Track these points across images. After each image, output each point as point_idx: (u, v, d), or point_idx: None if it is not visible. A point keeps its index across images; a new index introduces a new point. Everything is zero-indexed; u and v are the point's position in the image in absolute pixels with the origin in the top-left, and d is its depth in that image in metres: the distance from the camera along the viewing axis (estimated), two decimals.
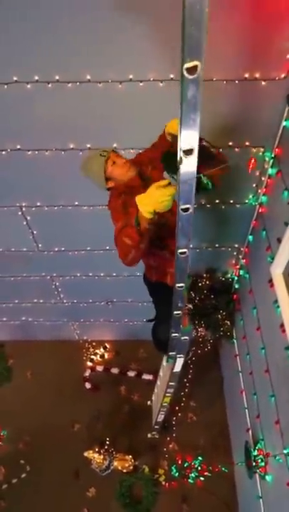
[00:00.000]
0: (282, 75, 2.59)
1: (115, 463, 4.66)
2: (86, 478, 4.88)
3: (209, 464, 4.77)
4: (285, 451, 2.85)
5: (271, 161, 3.06)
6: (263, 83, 2.63)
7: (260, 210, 3.48)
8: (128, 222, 1.76)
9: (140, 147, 2.67)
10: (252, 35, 2.43)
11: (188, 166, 1.18)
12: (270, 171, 3.11)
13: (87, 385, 5.68)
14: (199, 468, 4.83)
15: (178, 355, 3.08)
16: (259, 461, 3.49)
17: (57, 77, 2.56)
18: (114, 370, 5.83)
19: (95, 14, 2.26)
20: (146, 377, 5.66)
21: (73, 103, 2.71)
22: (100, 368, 5.89)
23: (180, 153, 1.14)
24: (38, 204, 3.57)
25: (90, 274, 4.61)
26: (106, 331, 5.96)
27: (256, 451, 3.55)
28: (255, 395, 3.72)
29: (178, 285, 1.86)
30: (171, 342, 2.78)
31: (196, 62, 0.97)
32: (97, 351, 6.06)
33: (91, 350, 6.07)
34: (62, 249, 4.16)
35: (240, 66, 2.58)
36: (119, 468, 4.69)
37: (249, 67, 2.58)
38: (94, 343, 6.13)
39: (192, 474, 4.81)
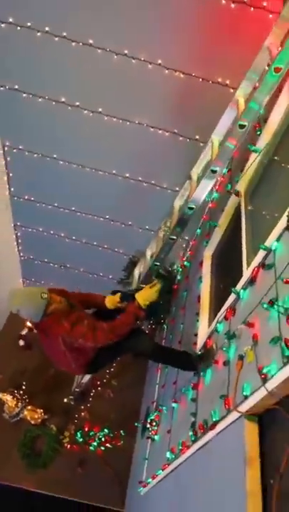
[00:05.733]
0: None
1: (25, 412, 4.85)
2: None
3: (113, 438, 5.06)
4: (173, 405, 3.21)
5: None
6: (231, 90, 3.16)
7: (210, 206, 3.96)
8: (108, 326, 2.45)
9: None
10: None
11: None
12: (224, 170, 3.60)
13: (21, 342, 5.88)
14: (103, 439, 5.12)
15: None
16: (154, 424, 3.83)
17: (64, 34, 3.01)
18: None
19: None
20: None
21: (73, 61, 3.15)
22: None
23: None
24: (21, 147, 3.93)
25: (52, 232, 4.93)
26: None
27: (154, 415, 3.89)
28: (166, 368, 4.09)
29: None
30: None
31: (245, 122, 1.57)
32: None
33: None
34: (32, 199, 4.49)
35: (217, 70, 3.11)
36: (28, 418, 4.88)
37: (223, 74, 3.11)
38: None
39: (94, 443, 5.08)
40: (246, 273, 2.12)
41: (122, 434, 4.92)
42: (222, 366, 2.14)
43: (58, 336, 2.38)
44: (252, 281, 2.01)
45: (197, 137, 3.52)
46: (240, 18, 2.80)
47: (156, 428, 3.78)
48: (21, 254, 5.39)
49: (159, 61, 3.09)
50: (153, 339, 2.71)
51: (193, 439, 2.29)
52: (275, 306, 1.55)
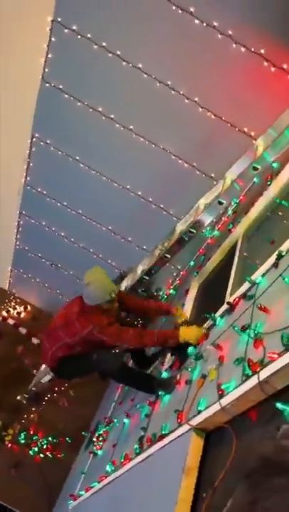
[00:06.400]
0: None
1: None
2: None
3: (55, 447, 4.95)
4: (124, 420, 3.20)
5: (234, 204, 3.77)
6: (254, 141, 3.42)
7: (209, 241, 4.13)
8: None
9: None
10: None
11: None
12: (229, 211, 3.80)
13: None
14: (45, 446, 5.00)
15: None
16: (100, 439, 3.78)
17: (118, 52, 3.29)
18: (23, 330, 6.03)
19: None
20: None
21: (119, 78, 3.42)
22: (11, 322, 6.08)
23: None
24: (48, 141, 4.13)
25: (53, 229, 5.05)
26: (35, 294, 6.24)
27: (102, 430, 3.85)
28: (127, 387, 4.08)
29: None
30: None
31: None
32: (17, 307, 6.29)
33: (12, 303, 6.30)
34: (44, 192, 4.64)
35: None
36: None
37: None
38: (18, 300, 6.38)
39: (35, 448, 4.95)
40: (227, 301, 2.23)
41: (68, 441, 4.81)
42: (184, 385, 2.20)
43: (91, 323, 2.51)
44: (231, 309, 2.12)
45: (212, 175, 3.74)
46: (277, 81, 3.10)
47: (101, 443, 3.73)
48: (17, 242, 5.46)
49: (196, 98, 3.36)
50: (121, 360, 2.75)
51: (137, 451, 2.31)
52: (247, 331, 1.66)
